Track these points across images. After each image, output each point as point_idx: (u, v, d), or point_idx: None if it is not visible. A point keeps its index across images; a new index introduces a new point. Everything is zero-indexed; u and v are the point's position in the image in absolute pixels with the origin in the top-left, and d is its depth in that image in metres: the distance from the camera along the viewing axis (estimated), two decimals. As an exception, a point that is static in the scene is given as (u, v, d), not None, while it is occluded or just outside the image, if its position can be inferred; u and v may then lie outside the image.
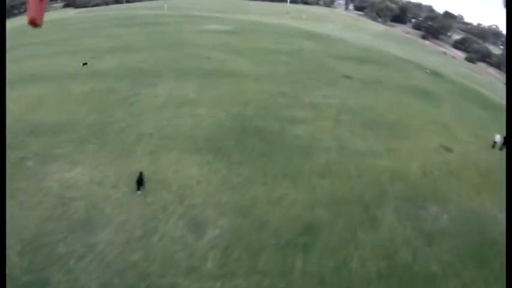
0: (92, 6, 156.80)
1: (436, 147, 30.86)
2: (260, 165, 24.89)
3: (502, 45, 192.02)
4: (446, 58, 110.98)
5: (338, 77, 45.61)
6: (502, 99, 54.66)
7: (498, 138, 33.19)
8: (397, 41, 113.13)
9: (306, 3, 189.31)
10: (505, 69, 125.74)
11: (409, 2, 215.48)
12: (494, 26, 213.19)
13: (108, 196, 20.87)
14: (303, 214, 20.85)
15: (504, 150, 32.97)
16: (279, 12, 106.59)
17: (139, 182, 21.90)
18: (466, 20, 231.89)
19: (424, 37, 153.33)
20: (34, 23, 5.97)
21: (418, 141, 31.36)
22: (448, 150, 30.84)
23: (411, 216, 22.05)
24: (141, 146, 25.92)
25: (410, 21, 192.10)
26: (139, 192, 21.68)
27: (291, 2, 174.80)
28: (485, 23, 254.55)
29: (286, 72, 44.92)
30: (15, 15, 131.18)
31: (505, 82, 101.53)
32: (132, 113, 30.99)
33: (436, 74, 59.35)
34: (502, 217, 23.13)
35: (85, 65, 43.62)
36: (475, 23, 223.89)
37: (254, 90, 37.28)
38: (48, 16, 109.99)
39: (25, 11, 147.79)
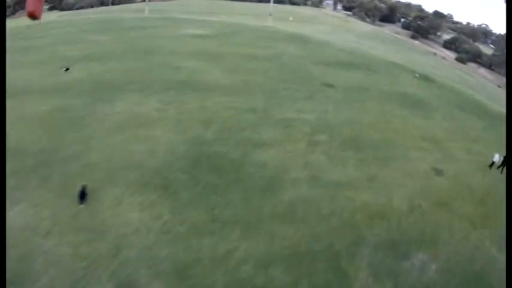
0: (77, 9, 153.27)
1: (425, 171, 26.50)
2: (211, 206, 20.44)
3: (492, 44, 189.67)
4: (436, 59, 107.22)
5: (319, 85, 40.97)
6: (496, 105, 50.80)
7: (497, 157, 28.74)
8: (386, 42, 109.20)
9: (293, 3, 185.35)
10: (496, 70, 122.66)
11: (398, 2, 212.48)
12: (484, 25, 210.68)
13: (40, 245, 17.44)
14: (255, 275, 16.51)
15: (504, 171, 28.91)
16: (266, 13, 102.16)
17: (82, 196, 20.01)
18: (456, 19, 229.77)
19: (413, 37, 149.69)
20: (33, 16, 7.41)
21: (405, 164, 26.91)
22: (440, 173, 26.51)
23: (391, 269, 17.75)
24: (84, 180, 21.39)
25: (399, 21, 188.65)
26: (82, 206, 19.85)
27: (278, 3, 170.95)
28: (475, 22, 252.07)
29: (261, 82, 40.24)
30: None
31: (498, 84, 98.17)
32: (84, 137, 26.64)
33: (426, 79, 54.90)
34: (501, 258, 19.02)
35: (67, 71, 40.63)
36: (464, 22, 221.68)
37: (221, 106, 32.68)
38: (28, 21, 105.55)
39: (11, 14, 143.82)
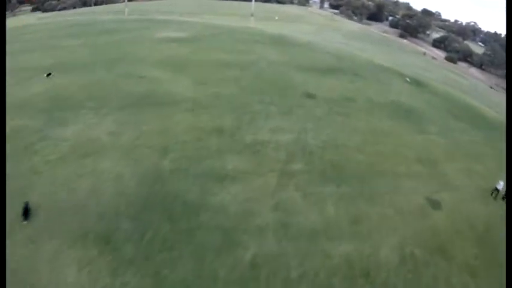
0: (60, 10, 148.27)
1: (420, 205, 22.40)
2: (157, 267, 16.29)
3: (481, 41, 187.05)
4: (426, 59, 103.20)
5: (299, 96, 36.41)
6: (491, 111, 47.08)
7: (501, 185, 24.72)
8: (374, 42, 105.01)
9: (279, 2, 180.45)
10: (487, 70, 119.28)
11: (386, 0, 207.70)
12: (472, 23, 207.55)
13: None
14: None
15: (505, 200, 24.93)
16: (252, 13, 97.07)
17: (25, 213, 18.57)
18: (443, 17, 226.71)
19: (401, 36, 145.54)
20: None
21: (396, 197, 22.65)
22: (436, 205, 22.49)
23: None
24: (22, 226, 18.16)
25: (387, 19, 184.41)
26: (25, 222, 18.42)
27: (264, 1, 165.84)
28: (463, 19, 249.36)
29: (233, 94, 35.41)
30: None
31: (489, 86, 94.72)
32: (32, 168, 22.54)
33: (417, 84, 50.74)
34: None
35: (49, 76, 38.36)
36: (452, 20, 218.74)
37: (183, 126, 27.99)
38: (9, 23, 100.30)
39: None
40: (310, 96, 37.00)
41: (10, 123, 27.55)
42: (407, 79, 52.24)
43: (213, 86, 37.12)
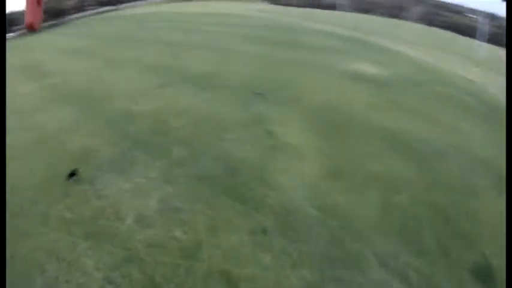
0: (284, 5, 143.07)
1: None
2: None
3: None
4: None
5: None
6: None
7: None
8: None
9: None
10: None
11: None
12: None
13: None
14: None
15: None
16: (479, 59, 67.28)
17: None
18: None
19: None
20: (32, 28, 4.91)
21: None
22: None
23: None
24: None
25: None
26: None
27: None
28: None
29: (364, 231, 13.76)
30: None
31: None
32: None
33: None
34: None
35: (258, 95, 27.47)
36: None
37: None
38: (223, 8, 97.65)
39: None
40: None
41: (82, 140, 20.27)
42: None
43: (348, 189, 17.24)
